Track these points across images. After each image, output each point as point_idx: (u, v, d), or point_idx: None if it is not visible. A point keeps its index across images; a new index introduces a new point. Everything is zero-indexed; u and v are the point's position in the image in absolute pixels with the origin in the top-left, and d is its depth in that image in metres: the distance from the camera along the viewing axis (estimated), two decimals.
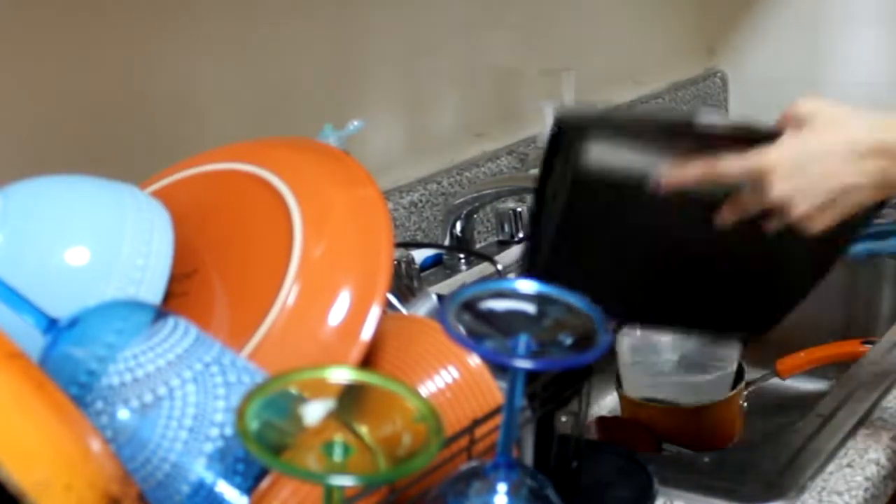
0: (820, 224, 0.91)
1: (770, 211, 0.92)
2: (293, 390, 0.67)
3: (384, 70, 1.52)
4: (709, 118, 0.96)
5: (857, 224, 0.95)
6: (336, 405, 0.66)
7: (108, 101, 1.18)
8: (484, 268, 1.44)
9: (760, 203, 0.92)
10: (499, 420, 0.73)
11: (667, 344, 1.36)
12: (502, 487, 0.71)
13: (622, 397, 1.31)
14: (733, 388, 1.29)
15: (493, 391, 0.80)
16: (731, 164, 0.91)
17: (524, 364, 0.68)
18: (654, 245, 0.99)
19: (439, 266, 1.49)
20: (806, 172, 0.90)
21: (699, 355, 1.34)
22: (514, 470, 0.72)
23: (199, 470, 0.70)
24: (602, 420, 1.30)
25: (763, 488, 0.98)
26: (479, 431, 0.76)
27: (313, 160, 0.92)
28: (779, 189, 0.90)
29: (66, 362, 0.71)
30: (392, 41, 1.53)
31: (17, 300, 0.74)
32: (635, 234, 0.98)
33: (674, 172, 0.92)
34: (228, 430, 0.71)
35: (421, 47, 1.58)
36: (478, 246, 1.55)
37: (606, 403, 1.42)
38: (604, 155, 0.93)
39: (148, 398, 0.70)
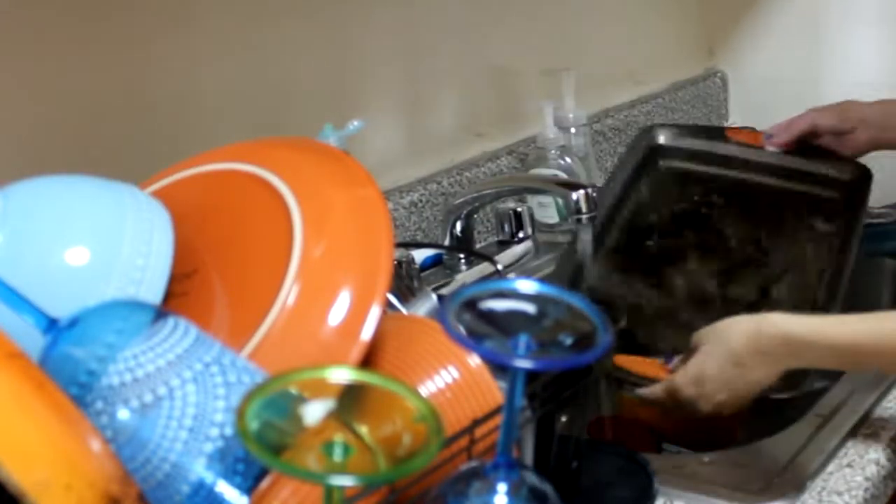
0: (730, 409, 1.12)
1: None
2: (293, 390, 0.67)
3: (384, 70, 1.52)
4: None
5: None
6: (336, 405, 0.66)
7: (108, 101, 1.18)
8: (484, 268, 1.44)
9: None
10: (499, 420, 0.73)
11: None
12: (502, 487, 0.71)
13: (622, 397, 1.31)
14: None
15: (493, 391, 0.80)
16: (653, 391, 1.17)
17: (524, 364, 0.68)
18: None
19: (439, 266, 1.49)
20: (705, 387, 1.10)
21: None
22: (514, 470, 0.72)
23: (199, 470, 0.70)
24: (602, 420, 1.30)
25: (763, 488, 0.98)
26: (479, 431, 0.76)
27: (313, 160, 0.92)
28: (692, 403, 1.12)
29: (66, 362, 0.71)
30: (392, 41, 1.53)
31: (17, 300, 0.74)
32: None
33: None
34: (228, 430, 0.71)
35: (421, 47, 1.58)
36: (478, 246, 1.55)
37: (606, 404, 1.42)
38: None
39: (148, 398, 0.70)
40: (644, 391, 1.18)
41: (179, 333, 0.74)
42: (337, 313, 0.80)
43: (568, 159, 1.59)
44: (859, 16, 2.07)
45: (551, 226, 1.60)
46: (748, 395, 1.10)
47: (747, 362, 1.08)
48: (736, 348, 1.09)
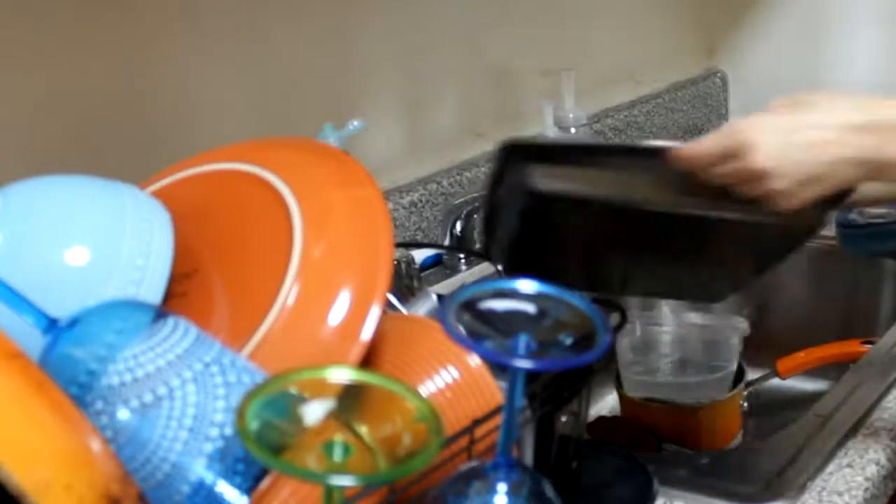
0: (799, 200, 0.88)
1: (749, 180, 0.89)
2: (293, 390, 0.67)
3: (384, 70, 1.52)
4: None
5: (833, 204, 0.92)
6: (336, 405, 0.66)
7: (108, 101, 1.18)
8: (484, 268, 1.44)
9: (740, 173, 0.89)
10: (499, 420, 0.73)
11: (667, 344, 1.36)
12: (502, 487, 0.71)
13: (622, 397, 1.31)
14: (733, 388, 1.29)
15: (493, 391, 0.80)
16: (713, 140, 0.90)
17: (524, 364, 0.68)
18: (616, 229, 0.98)
19: (439, 266, 1.49)
20: (792, 143, 0.88)
21: (699, 355, 1.34)
22: (514, 470, 0.72)
23: (199, 470, 0.70)
24: (602, 420, 1.30)
25: (763, 488, 0.98)
26: (479, 431, 0.76)
27: (313, 160, 0.92)
28: (762, 160, 0.87)
29: (66, 362, 0.71)
30: (392, 41, 1.53)
31: (17, 300, 0.74)
32: (594, 226, 0.98)
33: (684, 153, 0.91)
34: (228, 430, 0.71)
35: (421, 47, 1.58)
36: (478, 246, 1.55)
37: (606, 403, 1.42)
38: (547, 181, 0.95)
39: (148, 398, 0.70)
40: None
41: (179, 333, 0.74)
42: (337, 313, 0.80)
43: None
44: (859, 16, 2.07)
45: None
46: (829, 187, 0.89)
47: (854, 131, 0.88)
48: (847, 112, 0.89)
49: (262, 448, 0.62)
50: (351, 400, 0.67)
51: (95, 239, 0.82)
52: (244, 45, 1.33)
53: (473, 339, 0.69)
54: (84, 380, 0.70)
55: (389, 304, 0.99)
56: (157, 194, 0.92)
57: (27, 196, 0.84)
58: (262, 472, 0.70)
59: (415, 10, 1.56)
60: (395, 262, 1.25)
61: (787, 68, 2.15)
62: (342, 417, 0.66)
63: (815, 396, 1.16)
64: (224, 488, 0.70)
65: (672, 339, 1.36)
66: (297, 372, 0.68)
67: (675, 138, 2.07)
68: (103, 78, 1.18)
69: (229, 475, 0.70)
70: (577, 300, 0.73)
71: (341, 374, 0.68)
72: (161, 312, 0.76)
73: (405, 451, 0.65)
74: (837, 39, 2.10)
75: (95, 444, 0.66)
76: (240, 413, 0.64)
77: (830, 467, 1.00)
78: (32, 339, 0.72)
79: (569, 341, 0.71)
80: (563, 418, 0.90)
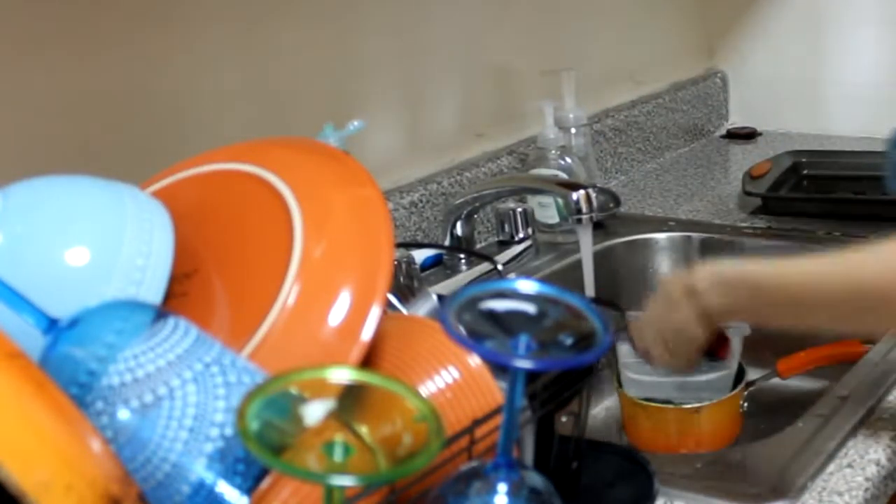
0: (664, 360, 1.14)
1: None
2: (293, 390, 0.67)
3: (384, 70, 1.52)
4: None
5: None
6: (336, 405, 0.66)
7: (108, 101, 1.19)
8: (484, 268, 1.44)
9: None
10: (499, 420, 0.73)
11: None
12: (502, 487, 0.71)
13: (622, 397, 1.31)
14: (733, 388, 1.28)
15: (493, 391, 0.80)
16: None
17: (524, 364, 0.68)
18: None
19: (439, 266, 1.49)
20: (644, 333, 1.13)
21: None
22: (514, 470, 0.72)
23: (200, 470, 0.70)
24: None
25: (763, 488, 0.98)
26: (479, 431, 0.76)
27: (313, 160, 0.92)
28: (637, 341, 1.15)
29: (66, 362, 0.71)
30: (392, 41, 1.53)
31: (17, 300, 0.74)
32: None
33: None
34: (228, 430, 0.71)
35: (421, 47, 1.58)
36: (478, 246, 1.55)
37: (606, 403, 1.42)
38: None
39: (148, 398, 0.70)
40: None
41: (179, 333, 0.74)
42: (337, 313, 0.80)
43: (568, 159, 1.59)
44: (859, 16, 2.07)
45: (551, 226, 1.60)
46: (679, 346, 1.11)
47: (675, 297, 1.08)
48: (671, 288, 1.09)
49: (262, 448, 0.62)
50: (351, 400, 0.67)
51: (95, 239, 0.82)
52: (244, 45, 1.33)
53: (473, 339, 0.69)
54: (84, 380, 0.71)
55: (389, 304, 0.99)
56: (157, 194, 0.92)
57: (27, 196, 0.84)
58: (263, 472, 0.70)
59: (415, 10, 1.56)
60: (395, 262, 1.25)
61: (787, 68, 2.15)
62: (342, 417, 0.66)
63: (815, 396, 1.16)
64: (224, 488, 0.70)
65: None
66: (298, 372, 0.68)
67: (674, 139, 2.07)
68: (103, 78, 1.18)
69: (229, 475, 0.70)
70: (576, 300, 0.73)
71: (341, 374, 0.68)
72: (161, 312, 0.76)
73: (405, 451, 0.65)
74: (837, 39, 2.10)
75: (95, 444, 0.66)
76: (240, 413, 0.64)
77: (830, 467, 1.00)
78: (32, 339, 0.72)
79: (569, 341, 0.71)
80: (563, 418, 0.90)
